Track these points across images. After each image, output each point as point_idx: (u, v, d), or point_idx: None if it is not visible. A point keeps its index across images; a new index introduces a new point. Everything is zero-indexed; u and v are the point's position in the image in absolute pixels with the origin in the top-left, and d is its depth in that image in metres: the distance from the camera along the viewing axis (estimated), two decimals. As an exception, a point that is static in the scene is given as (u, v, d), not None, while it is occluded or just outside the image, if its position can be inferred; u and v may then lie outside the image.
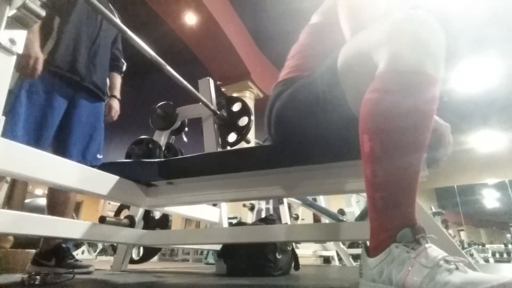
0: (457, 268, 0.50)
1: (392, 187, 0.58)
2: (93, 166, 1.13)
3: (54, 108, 1.35)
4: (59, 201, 1.43)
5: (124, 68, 1.80)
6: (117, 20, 1.15)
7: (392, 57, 0.56)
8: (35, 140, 1.27)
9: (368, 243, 0.65)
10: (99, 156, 1.53)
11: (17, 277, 1.13)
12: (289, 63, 0.97)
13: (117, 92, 1.71)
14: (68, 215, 1.44)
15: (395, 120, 0.56)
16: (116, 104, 1.69)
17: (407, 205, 0.59)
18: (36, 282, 0.92)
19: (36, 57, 1.20)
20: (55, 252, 1.37)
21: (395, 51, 0.56)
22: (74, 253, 1.74)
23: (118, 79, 1.75)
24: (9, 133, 1.18)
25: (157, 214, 1.88)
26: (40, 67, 1.22)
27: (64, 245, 1.41)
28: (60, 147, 1.40)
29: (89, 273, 1.41)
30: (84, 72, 1.45)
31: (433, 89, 0.56)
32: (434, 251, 0.54)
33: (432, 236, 0.58)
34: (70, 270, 1.30)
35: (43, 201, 2.56)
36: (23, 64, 1.18)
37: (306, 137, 0.86)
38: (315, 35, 0.98)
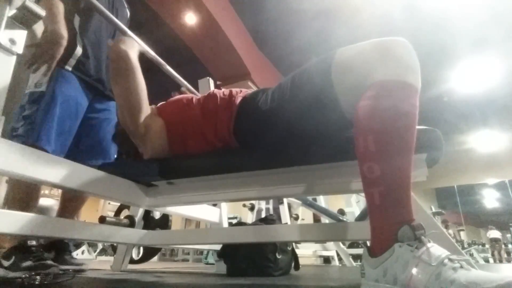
0: (461, 267, 0.50)
1: (388, 180, 0.61)
2: None
3: (79, 111, 1.38)
4: (73, 197, 1.47)
5: None
6: (116, 20, 1.16)
7: (382, 72, 0.68)
8: (63, 143, 1.29)
9: (368, 243, 0.65)
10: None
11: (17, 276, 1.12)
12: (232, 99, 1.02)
13: None
14: (79, 211, 1.51)
15: (386, 121, 0.64)
16: None
17: (404, 202, 0.61)
18: (36, 282, 0.92)
19: (63, 36, 1.16)
20: (56, 245, 1.42)
21: (385, 67, 0.69)
22: (74, 253, 1.76)
23: None
24: (45, 136, 1.19)
25: (157, 214, 1.88)
26: (63, 46, 1.17)
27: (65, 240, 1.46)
28: (81, 149, 1.43)
29: (82, 271, 1.43)
30: (106, 80, 1.51)
31: (415, 96, 0.67)
32: (437, 250, 0.54)
33: (433, 231, 0.59)
34: (71, 271, 1.31)
35: (43, 201, 2.56)
36: (51, 40, 1.13)
37: (299, 139, 0.89)
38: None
